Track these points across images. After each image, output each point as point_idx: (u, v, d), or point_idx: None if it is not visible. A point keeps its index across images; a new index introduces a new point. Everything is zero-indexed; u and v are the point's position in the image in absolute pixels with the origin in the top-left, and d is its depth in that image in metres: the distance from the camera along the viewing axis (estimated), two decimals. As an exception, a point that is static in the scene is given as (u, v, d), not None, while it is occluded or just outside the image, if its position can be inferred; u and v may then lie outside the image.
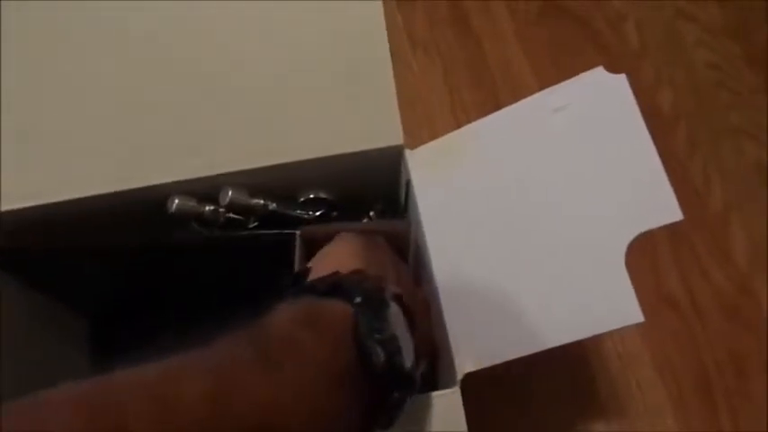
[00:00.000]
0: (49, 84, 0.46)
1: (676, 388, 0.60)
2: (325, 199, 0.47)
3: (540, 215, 0.39)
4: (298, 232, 0.43)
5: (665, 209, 0.36)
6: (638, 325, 0.60)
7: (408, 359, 0.30)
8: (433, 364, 0.41)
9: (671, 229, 0.65)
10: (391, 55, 0.44)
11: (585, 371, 0.61)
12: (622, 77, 0.39)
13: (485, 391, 0.55)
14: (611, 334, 0.62)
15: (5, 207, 0.43)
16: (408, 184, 0.43)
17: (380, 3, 0.45)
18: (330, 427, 0.27)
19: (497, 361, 0.35)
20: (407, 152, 0.43)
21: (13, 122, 0.44)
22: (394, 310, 0.31)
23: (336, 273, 0.32)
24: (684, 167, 0.66)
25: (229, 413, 0.24)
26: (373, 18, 0.45)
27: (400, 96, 0.43)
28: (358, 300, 0.29)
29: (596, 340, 0.61)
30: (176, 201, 0.44)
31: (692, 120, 0.68)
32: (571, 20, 0.74)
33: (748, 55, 0.72)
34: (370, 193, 0.47)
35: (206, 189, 0.45)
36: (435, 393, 0.36)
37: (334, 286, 0.31)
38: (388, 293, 0.31)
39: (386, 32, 0.44)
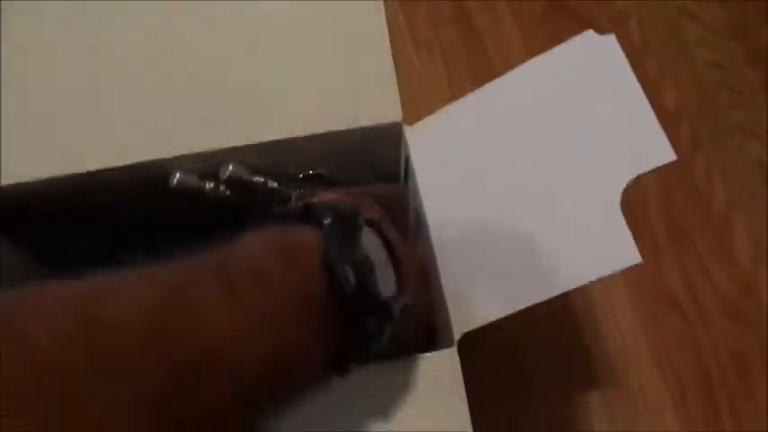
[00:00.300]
0: (51, 59, 0.46)
1: (678, 387, 0.59)
2: (324, 176, 0.47)
3: (536, 173, 0.39)
4: (294, 195, 0.43)
5: (658, 152, 0.37)
6: (639, 324, 0.61)
7: (386, 288, 0.28)
8: (432, 334, 0.41)
9: (673, 228, 0.65)
10: (393, 54, 0.45)
11: (587, 368, 0.60)
12: (612, 37, 0.40)
13: (481, 389, 0.55)
14: (612, 331, 0.61)
15: (5, 181, 0.43)
16: (407, 159, 0.43)
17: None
18: (298, 361, 0.26)
19: (495, 317, 0.36)
20: (406, 128, 0.43)
21: (15, 96, 0.45)
22: (368, 234, 0.29)
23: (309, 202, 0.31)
24: (687, 166, 0.66)
25: (173, 336, 0.22)
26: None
27: (403, 96, 0.43)
28: (327, 221, 0.28)
29: (598, 338, 0.61)
30: (178, 175, 0.44)
31: (695, 119, 0.68)
32: (574, 20, 0.75)
33: (750, 55, 0.72)
34: (370, 170, 0.47)
35: (208, 166, 0.45)
36: (433, 353, 0.36)
37: (306, 213, 0.29)
38: (362, 217, 0.30)
39: (383, 10, 0.44)
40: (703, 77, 0.72)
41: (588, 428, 0.57)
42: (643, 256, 0.34)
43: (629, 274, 0.62)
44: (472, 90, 0.44)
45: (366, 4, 0.46)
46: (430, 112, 0.44)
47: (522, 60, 0.61)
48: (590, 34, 0.40)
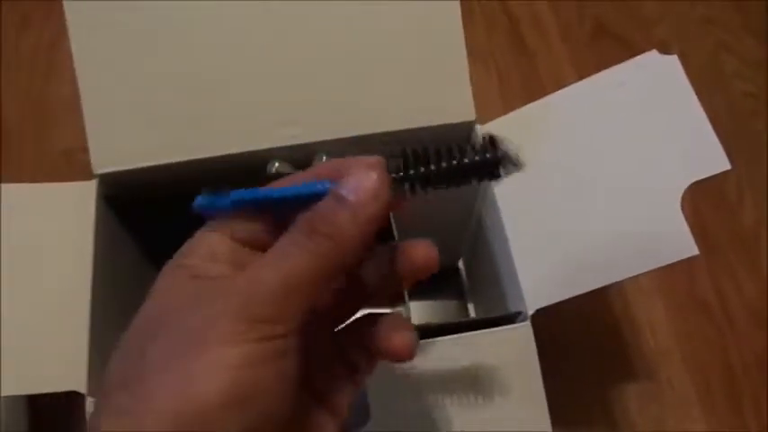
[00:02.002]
0: (159, 53, 0.49)
1: (704, 384, 0.64)
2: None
3: (603, 170, 0.44)
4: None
5: (715, 161, 0.42)
6: (671, 325, 0.65)
7: None
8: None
9: (706, 240, 0.70)
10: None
11: (622, 362, 0.65)
12: (674, 58, 0.45)
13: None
14: (645, 331, 0.66)
15: (116, 167, 0.48)
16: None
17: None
18: None
19: (566, 296, 0.40)
20: (478, 127, 0.49)
21: (124, 86, 0.49)
22: None
23: None
24: (720, 184, 0.72)
25: None
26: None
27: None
28: None
29: (633, 336, 0.66)
30: (276, 164, 0.50)
31: (730, 142, 0.73)
32: (620, 46, 0.82)
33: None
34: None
35: (299, 157, 0.50)
36: (507, 327, 0.41)
37: None
38: None
39: (459, 11, 0.48)
40: (738, 106, 0.77)
41: (621, 416, 0.62)
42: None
43: (663, 279, 0.68)
44: (522, 103, 0.50)
45: (443, 5, 0.48)
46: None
47: (570, 78, 0.66)
48: (654, 54, 0.45)
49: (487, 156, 0.27)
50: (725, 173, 0.72)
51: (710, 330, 0.67)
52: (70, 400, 0.50)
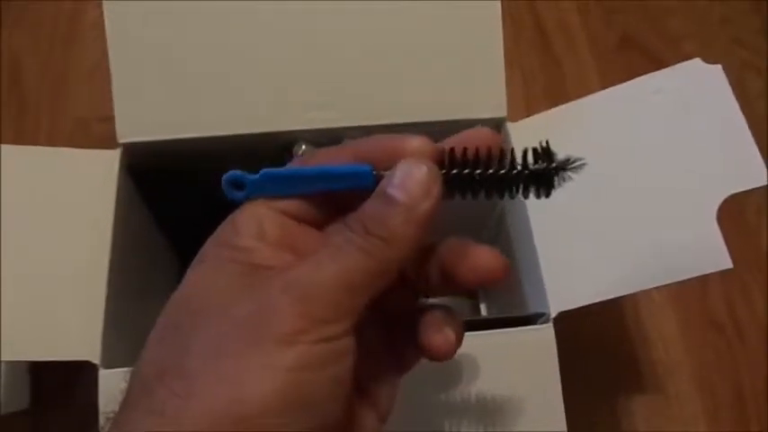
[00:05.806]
0: (186, 25, 0.49)
1: (712, 400, 0.64)
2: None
3: (637, 176, 0.43)
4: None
5: (754, 175, 0.41)
6: (683, 340, 0.65)
7: None
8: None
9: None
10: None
11: (632, 374, 0.65)
12: (718, 67, 0.44)
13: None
14: (657, 344, 0.66)
15: (140, 138, 0.48)
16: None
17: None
18: None
19: (592, 301, 0.39)
20: (509, 125, 0.48)
21: (154, 57, 0.48)
22: None
23: None
24: (740, 204, 0.72)
25: None
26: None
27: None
28: None
29: (644, 348, 0.66)
30: (303, 146, 0.49)
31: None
32: (646, 58, 0.81)
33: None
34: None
35: (326, 141, 0.50)
36: (529, 328, 0.40)
37: None
38: None
39: (500, 10, 0.48)
40: (762, 126, 0.77)
41: (627, 426, 0.62)
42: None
43: (676, 294, 0.68)
44: (546, 108, 0.49)
45: (484, 4, 0.49)
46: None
47: (594, 87, 0.66)
48: (697, 62, 0.44)
49: (552, 164, 0.26)
50: (745, 193, 0.73)
51: (721, 347, 0.66)
52: (73, 375, 0.49)
